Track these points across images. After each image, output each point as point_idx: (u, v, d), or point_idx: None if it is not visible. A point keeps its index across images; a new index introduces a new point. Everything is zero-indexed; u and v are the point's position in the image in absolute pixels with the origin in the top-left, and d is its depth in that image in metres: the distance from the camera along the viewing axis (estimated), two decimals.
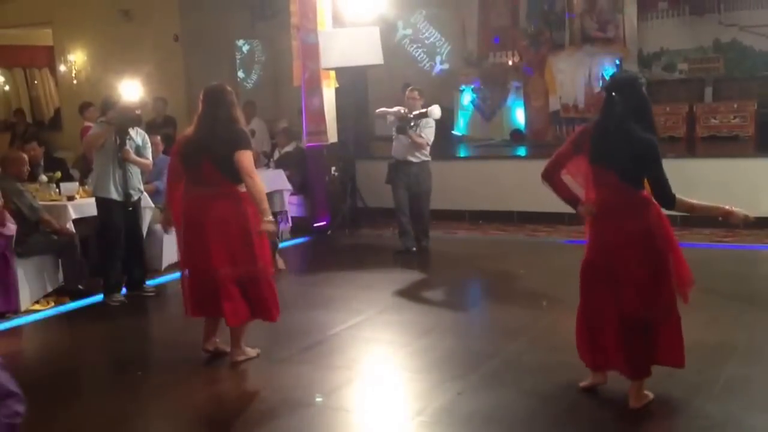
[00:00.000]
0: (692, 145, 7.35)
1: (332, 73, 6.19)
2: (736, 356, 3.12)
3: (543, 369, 3.01)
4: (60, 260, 4.51)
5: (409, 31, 9.53)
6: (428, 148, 5.35)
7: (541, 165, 2.87)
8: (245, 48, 9.27)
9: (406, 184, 5.34)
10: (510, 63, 8.79)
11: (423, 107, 5.31)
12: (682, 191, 6.84)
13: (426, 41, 9.61)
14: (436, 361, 3.26)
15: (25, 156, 4.63)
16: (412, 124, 5.22)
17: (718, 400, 2.71)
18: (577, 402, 2.76)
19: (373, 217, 6.64)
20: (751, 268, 4.80)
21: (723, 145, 7.15)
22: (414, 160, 5.31)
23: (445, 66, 9.42)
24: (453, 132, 8.94)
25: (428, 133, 5.27)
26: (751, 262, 4.98)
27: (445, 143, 8.64)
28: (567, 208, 2.87)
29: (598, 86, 8.07)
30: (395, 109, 5.30)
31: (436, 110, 5.29)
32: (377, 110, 5.49)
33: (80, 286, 4.52)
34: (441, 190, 6.85)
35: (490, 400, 2.81)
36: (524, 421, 2.66)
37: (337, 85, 6.29)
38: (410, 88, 5.54)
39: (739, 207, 6.84)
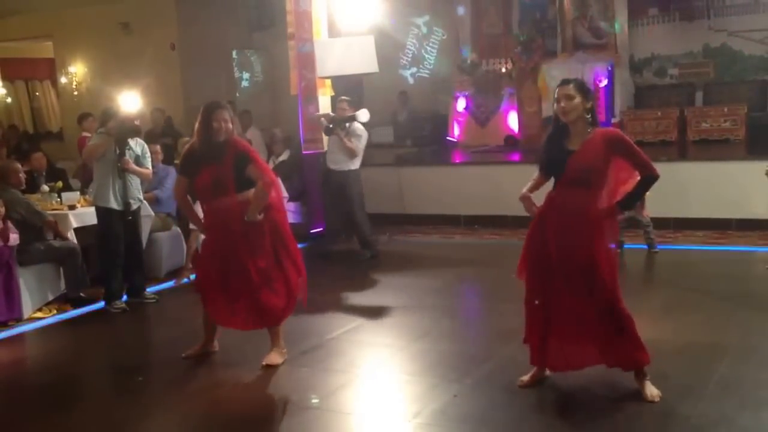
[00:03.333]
0: (684, 149, 7.43)
1: (328, 82, 6.26)
2: (728, 356, 3.16)
3: None
4: (61, 268, 4.56)
5: (425, 30, 9.57)
6: (357, 158, 5.40)
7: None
8: (241, 57, 9.37)
9: (332, 192, 5.40)
10: (503, 70, 8.90)
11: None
12: (674, 194, 6.95)
13: (421, 49, 9.71)
14: (432, 364, 3.31)
15: (19, 165, 4.69)
16: (339, 126, 5.28)
17: (710, 399, 2.75)
18: (570, 404, 2.80)
19: (369, 223, 6.69)
20: (743, 270, 4.85)
21: (714, 148, 7.22)
22: (335, 168, 5.35)
23: (411, 81, 9.47)
24: (448, 138, 9.03)
25: (356, 141, 5.35)
26: (743, 264, 5.03)
27: (440, 149, 8.75)
28: None
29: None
30: (325, 114, 5.43)
31: (363, 114, 5.38)
32: (313, 114, 5.58)
33: (81, 294, 4.57)
34: (437, 195, 6.93)
35: (485, 402, 2.85)
36: (518, 423, 2.70)
37: (333, 93, 6.36)
38: (340, 98, 5.60)
39: (731, 209, 6.88)
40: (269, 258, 3.21)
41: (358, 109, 5.46)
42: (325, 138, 5.71)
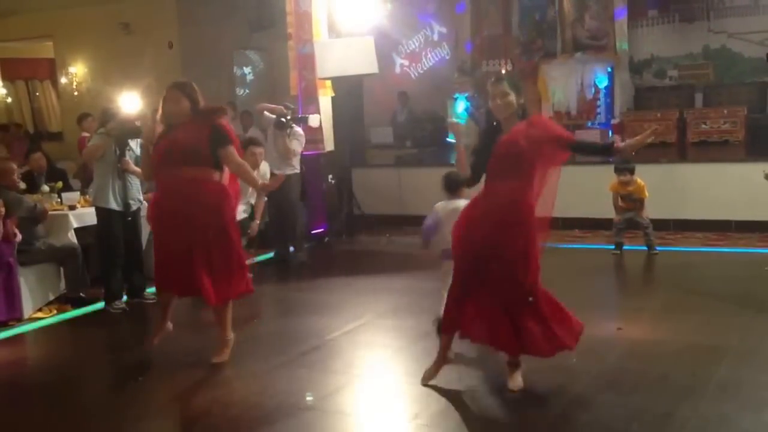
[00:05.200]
0: (683, 151, 7.45)
1: (328, 83, 6.27)
2: (728, 358, 3.17)
3: (536, 372, 3.04)
4: (62, 268, 4.56)
5: (435, 38, 9.54)
6: (296, 160, 5.40)
7: None
8: (241, 58, 9.37)
9: (274, 195, 5.23)
10: (503, 71, 8.91)
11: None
12: (673, 195, 6.90)
13: (422, 51, 9.73)
14: None
15: (14, 165, 4.68)
16: (288, 125, 5.28)
17: (711, 401, 2.76)
18: (572, 404, 2.80)
19: (369, 224, 6.70)
20: (743, 271, 4.84)
21: (714, 150, 7.25)
22: (276, 172, 5.32)
23: (397, 71, 9.48)
24: (447, 139, 9.04)
25: (295, 144, 5.35)
26: (743, 265, 5.03)
27: (439, 150, 8.75)
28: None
29: (590, 93, 8.19)
30: (277, 107, 5.39)
31: (314, 119, 5.51)
32: (259, 105, 5.54)
33: (82, 294, 4.57)
34: (437, 196, 6.91)
35: (486, 403, 2.85)
36: (519, 424, 2.71)
37: (333, 94, 6.37)
38: (285, 103, 5.59)
39: (730, 211, 6.90)
40: (217, 249, 3.18)
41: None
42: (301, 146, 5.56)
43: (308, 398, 2.94)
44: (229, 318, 3.35)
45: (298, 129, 5.41)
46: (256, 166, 4.67)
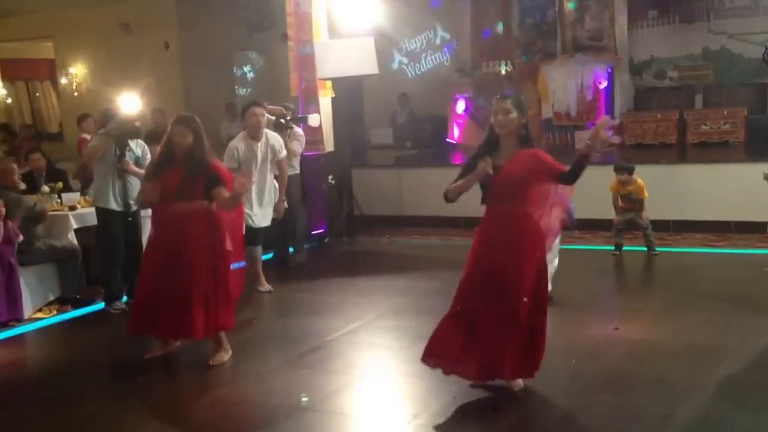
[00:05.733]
0: (683, 152, 7.45)
1: (328, 83, 6.28)
2: (727, 358, 3.18)
3: (537, 373, 3.06)
4: (60, 269, 4.56)
5: (438, 41, 9.56)
6: (296, 161, 5.41)
7: None
8: (241, 58, 9.38)
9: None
10: (503, 72, 8.92)
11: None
12: (673, 196, 6.89)
13: (422, 53, 9.73)
14: None
15: (14, 166, 4.68)
16: (288, 125, 5.28)
17: (710, 401, 2.76)
18: (571, 406, 2.81)
19: (369, 225, 6.71)
20: (742, 272, 4.85)
21: (713, 150, 7.24)
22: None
23: (395, 67, 9.51)
24: (447, 140, 9.05)
25: (295, 145, 5.36)
26: (743, 266, 5.03)
27: (439, 151, 8.76)
28: None
29: (590, 94, 8.19)
30: (277, 108, 5.38)
31: (314, 119, 5.53)
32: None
33: (77, 296, 4.58)
34: (436, 197, 6.92)
35: (485, 404, 2.86)
36: (519, 425, 2.72)
37: (334, 95, 6.38)
38: (285, 104, 5.58)
39: (730, 211, 6.89)
40: (208, 279, 3.28)
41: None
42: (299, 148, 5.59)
43: (303, 399, 2.94)
44: (223, 336, 3.40)
45: (298, 129, 5.43)
46: (257, 126, 4.57)
